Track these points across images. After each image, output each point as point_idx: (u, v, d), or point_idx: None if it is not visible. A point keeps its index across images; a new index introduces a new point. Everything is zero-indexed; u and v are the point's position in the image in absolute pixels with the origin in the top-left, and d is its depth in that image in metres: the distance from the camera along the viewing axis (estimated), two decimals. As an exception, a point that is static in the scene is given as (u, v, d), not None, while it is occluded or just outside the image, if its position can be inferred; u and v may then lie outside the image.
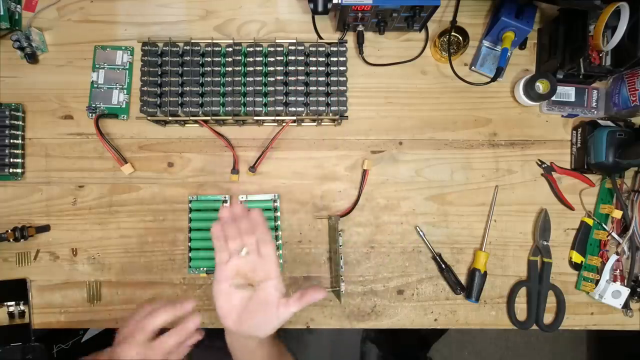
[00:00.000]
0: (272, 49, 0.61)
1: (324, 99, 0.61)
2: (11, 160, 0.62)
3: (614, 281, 0.63)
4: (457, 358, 1.41)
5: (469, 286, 0.64)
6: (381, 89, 0.66)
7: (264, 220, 0.47)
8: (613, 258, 0.63)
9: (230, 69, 0.61)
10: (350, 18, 0.61)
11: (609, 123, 0.63)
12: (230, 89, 0.60)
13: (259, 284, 0.46)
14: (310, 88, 0.61)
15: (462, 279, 0.65)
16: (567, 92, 0.66)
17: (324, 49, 0.61)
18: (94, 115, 0.64)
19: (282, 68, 0.61)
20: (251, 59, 0.61)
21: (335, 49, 0.61)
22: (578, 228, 0.66)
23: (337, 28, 0.65)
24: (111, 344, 0.46)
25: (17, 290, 0.63)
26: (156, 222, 0.64)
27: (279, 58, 0.61)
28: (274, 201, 0.64)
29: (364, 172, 0.64)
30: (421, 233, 0.64)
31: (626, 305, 0.63)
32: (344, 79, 0.61)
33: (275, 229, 0.64)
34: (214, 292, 0.46)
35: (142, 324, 0.44)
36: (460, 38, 0.64)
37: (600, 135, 0.61)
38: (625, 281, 0.63)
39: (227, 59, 0.61)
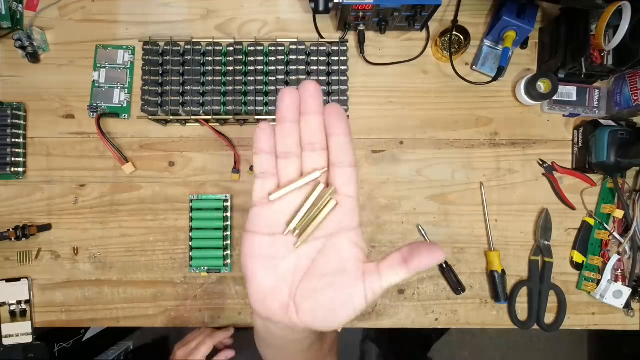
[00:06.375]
0: (273, 48, 0.61)
1: (324, 98, 0.61)
2: (13, 159, 0.62)
3: (616, 281, 0.63)
4: (458, 358, 1.41)
5: (494, 289, 0.64)
6: (382, 89, 0.66)
7: (346, 124, 0.28)
8: (614, 258, 0.63)
9: (231, 68, 0.61)
10: (352, 17, 0.61)
11: (611, 122, 0.63)
12: (231, 88, 0.60)
13: (327, 239, 0.28)
14: (311, 87, 0.61)
15: (463, 278, 0.65)
16: (568, 92, 0.65)
17: (325, 48, 0.61)
18: (95, 114, 0.64)
19: (283, 67, 0.61)
20: (252, 58, 0.61)
21: (336, 48, 0.61)
22: (579, 228, 0.66)
23: (338, 27, 0.65)
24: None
25: (18, 289, 0.63)
26: (157, 221, 0.65)
27: (280, 57, 0.61)
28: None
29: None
30: (423, 232, 0.64)
31: (627, 305, 0.63)
32: (345, 78, 0.61)
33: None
34: (245, 254, 0.28)
35: (190, 358, 0.56)
36: (462, 37, 0.64)
37: (602, 134, 0.61)
38: (627, 281, 0.63)
39: (228, 59, 0.61)
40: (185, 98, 0.60)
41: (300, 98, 0.27)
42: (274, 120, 0.63)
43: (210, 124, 0.63)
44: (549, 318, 0.65)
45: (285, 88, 0.27)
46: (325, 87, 0.61)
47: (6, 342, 0.62)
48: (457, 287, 0.64)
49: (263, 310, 0.28)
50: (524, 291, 0.65)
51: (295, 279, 0.27)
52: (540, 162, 0.66)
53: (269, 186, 0.28)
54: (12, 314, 0.63)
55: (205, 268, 0.63)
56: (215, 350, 0.62)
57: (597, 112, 0.66)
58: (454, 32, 0.63)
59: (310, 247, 0.28)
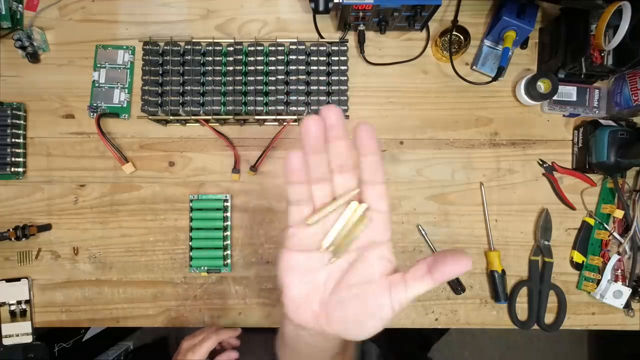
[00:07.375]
0: (273, 48, 0.61)
1: (325, 98, 0.61)
2: (13, 159, 0.62)
3: (615, 281, 0.63)
4: (458, 358, 1.41)
5: (494, 289, 0.64)
6: (382, 89, 0.66)
7: (376, 143, 0.27)
8: (614, 258, 0.63)
9: (231, 68, 0.61)
10: (352, 17, 0.61)
11: (611, 122, 0.63)
12: (231, 88, 0.60)
13: (358, 253, 0.29)
14: (311, 87, 0.61)
15: (463, 278, 0.65)
16: (568, 92, 0.65)
17: (325, 48, 0.61)
18: (95, 114, 0.64)
19: (283, 67, 0.61)
20: (252, 58, 0.61)
21: (336, 48, 0.61)
22: (579, 228, 0.66)
23: (338, 27, 0.65)
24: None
25: (18, 289, 0.63)
26: (157, 221, 0.65)
27: (280, 57, 0.61)
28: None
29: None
30: (423, 232, 0.64)
31: (627, 305, 0.63)
32: (345, 78, 0.61)
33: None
34: (281, 268, 0.29)
35: (193, 350, 0.55)
36: (462, 37, 0.64)
37: (602, 134, 0.61)
38: (627, 281, 0.63)
39: (228, 59, 0.61)
40: (185, 98, 0.60)
41: (324, 125, 0.27)
42: (274, 121, 0.64)
43: (210, 124, 0.63)
44: (549, 318, 0.65)
45: (307, 118, 0.26)
46: (325, 87, 0.61)
47: (6, 342, 0.62)
48: (457, 287, 0.64)
49: (296, 318, 0.29)
50: (524, 291, 0.65)
51: (326, 289, 0.29)
52: (540, 162, 0.66)
53: (305, 211, 0.29)
54: (12, 314, 0.63)
55: (205, 268, 0.63)
56: (221, 350, 0.62)
57: (597, 112, 0.66)
58: (454, 32, 0.63)
59: (342, 260, 0.29)
